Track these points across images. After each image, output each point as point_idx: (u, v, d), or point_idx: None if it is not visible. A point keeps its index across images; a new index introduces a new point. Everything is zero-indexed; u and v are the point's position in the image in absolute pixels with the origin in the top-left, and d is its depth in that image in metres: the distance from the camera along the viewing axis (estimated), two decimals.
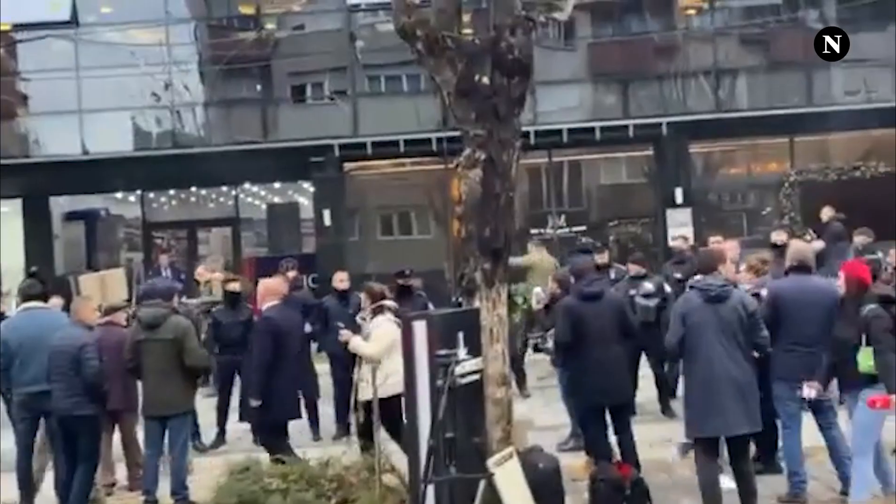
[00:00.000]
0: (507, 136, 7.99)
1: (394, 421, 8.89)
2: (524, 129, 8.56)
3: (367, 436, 9.01)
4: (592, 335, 8.91)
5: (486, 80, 8.02)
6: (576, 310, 9.02)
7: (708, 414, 7.57)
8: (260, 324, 9.78)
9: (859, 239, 12.98)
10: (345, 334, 9.63)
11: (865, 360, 7.30)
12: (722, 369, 7.51)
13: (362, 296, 10.27)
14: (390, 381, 8.43)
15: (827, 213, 16.35)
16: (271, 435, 9.46)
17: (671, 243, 13.74)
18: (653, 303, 11.54)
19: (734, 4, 23.84)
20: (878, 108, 21.13)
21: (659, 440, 9.92)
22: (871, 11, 22.31)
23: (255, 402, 9.23)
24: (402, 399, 7.69)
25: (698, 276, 8.05)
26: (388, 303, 9.63)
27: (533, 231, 22.72)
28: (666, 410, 11.56)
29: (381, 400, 8.69)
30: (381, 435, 8.75)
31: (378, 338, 9.25)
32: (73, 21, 22.61)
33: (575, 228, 23.06)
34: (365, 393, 9.00)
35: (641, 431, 9.51)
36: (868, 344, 7.28)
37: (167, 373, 9.11)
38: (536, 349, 11.70)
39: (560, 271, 10.55)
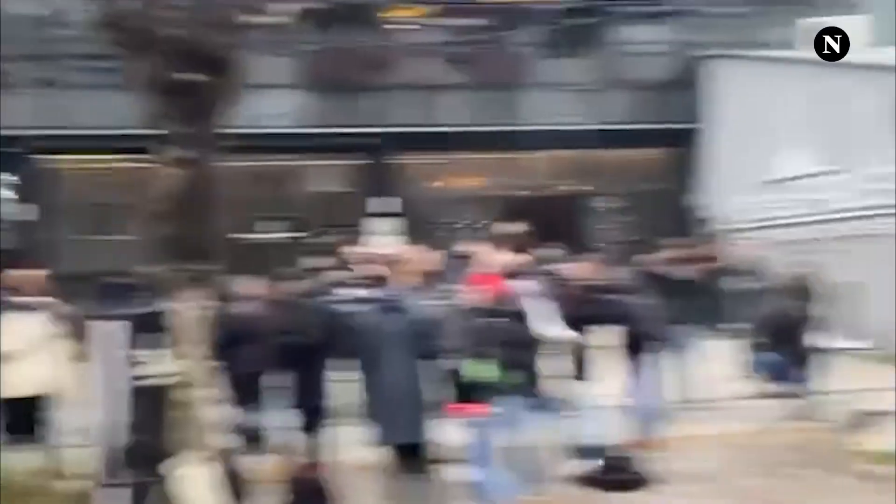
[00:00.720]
0: (210, 137, 7.90)
1: (28, 421, 8.64)
2: (235, 131, 8.48)
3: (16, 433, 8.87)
4: None
5: (189, 77, 7.89)
6: None
7: (378, 423, 7.88)
8: None
9: (541, 252, 13.64)
10: None
11: (468, 368, 7.71)
12: (384, 380, 7.78)
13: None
14: (26, 379, 8.34)
15: (506, 227, 17.02)
16: None
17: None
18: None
19: (445, 23, 24.63)
20: (572, 130, 22.48)
21: (359, 441, 10.04)
22: (571, 39, 23.74)
23: None
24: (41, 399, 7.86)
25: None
26: (30, 299, 9.31)
27: (242, 236, 22.50)
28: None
29: (15, 399, 8.65)
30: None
31: (8, 334, 9.02)
32: None
33: (284, 234, 22.98)
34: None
35: (342, 433, 9.60)
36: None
37: None
38: None
39: None
